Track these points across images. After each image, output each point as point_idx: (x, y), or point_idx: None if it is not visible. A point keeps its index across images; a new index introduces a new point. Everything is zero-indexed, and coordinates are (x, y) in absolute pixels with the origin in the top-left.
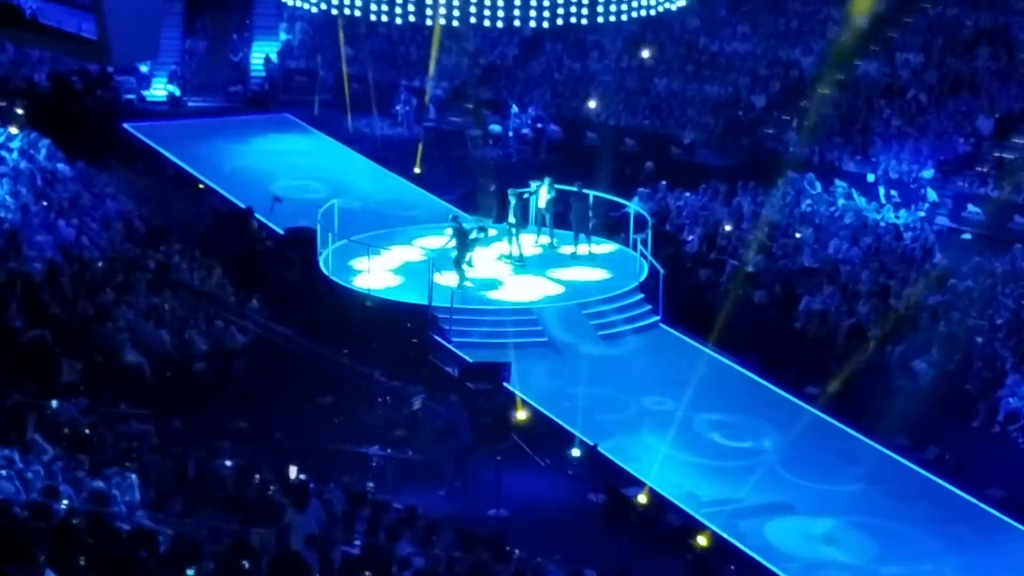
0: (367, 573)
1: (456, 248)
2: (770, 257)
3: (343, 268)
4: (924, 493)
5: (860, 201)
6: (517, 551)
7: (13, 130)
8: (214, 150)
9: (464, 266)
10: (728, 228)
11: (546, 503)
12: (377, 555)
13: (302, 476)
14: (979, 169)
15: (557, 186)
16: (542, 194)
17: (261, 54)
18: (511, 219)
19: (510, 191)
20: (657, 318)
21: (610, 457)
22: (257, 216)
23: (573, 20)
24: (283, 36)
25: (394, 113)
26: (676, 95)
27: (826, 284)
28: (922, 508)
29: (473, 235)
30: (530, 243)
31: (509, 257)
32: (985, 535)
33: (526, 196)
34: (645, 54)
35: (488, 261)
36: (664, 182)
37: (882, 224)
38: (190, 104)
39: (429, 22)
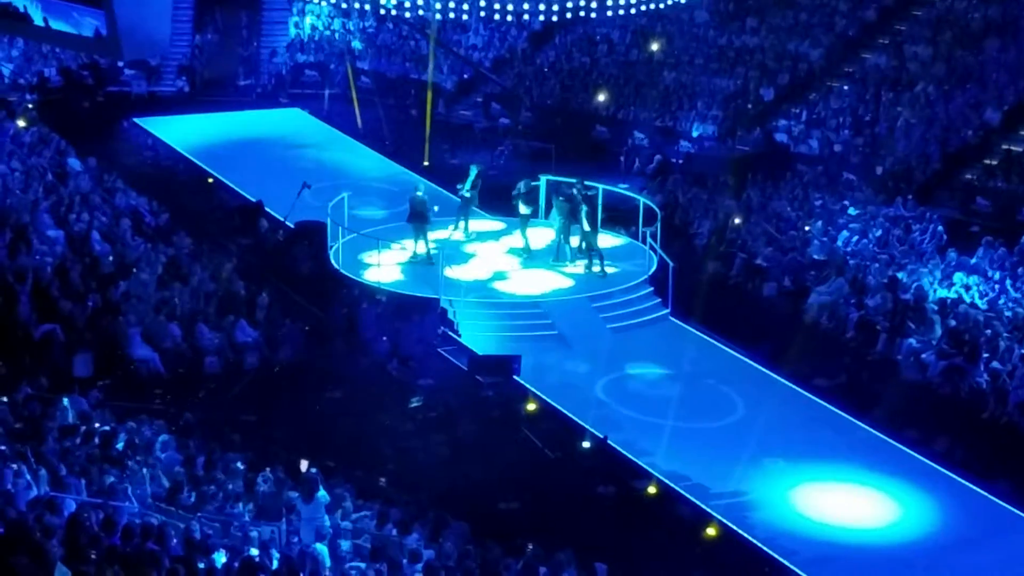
0: (376, 566)
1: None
2: (779, 250)
3: (353, 262)
4: (934, 485)
5: None
6: (530, 545)
7: (21, 124)
8: (224, 144)
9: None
10: (737, 221)
11: (556, 496)
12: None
13: (312, 470)
14: (987, 161)
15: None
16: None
17: (271, 48)
18: (522, 211)
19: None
20: (667, 311)
21: (620, 449)
22: (267, 210)
23: (582, 13)
24: (293, 30)
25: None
26: (685, 88)
27: (835, 277)
28: (932, 501)
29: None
30: (543, 238)
31: (517, 250)
32: (995, 527)
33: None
34: (654, 47)
35: (497, 254)
36: (673, 175)
37: (891, 216)
38: (200, 98)
39: (438, 16)
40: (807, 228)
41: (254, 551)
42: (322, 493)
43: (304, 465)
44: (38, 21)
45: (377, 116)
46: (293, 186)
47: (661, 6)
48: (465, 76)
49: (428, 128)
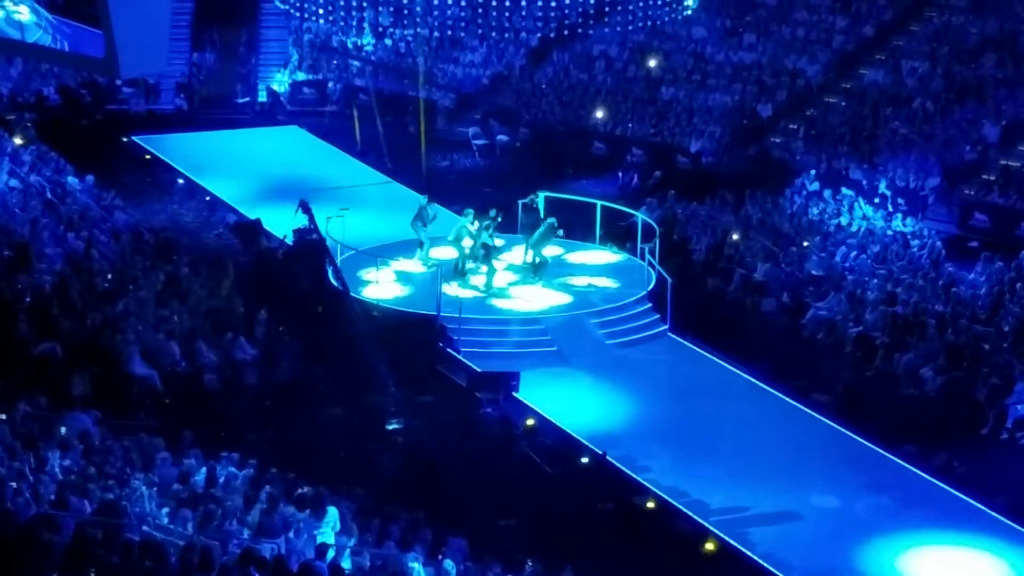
0: None
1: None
2: (777, 265)
3: (352, 279)
4: (932, 500)
5: (866, 209)
6: (529, 561)
7: (18, 141)
8: (222, 162)
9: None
10: (735, 237)
11: (556, 512)
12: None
13: (307, 489)
14: (985, 177)
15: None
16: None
17: (268, 66)
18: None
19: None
20: (665, 327)
21: (619, 466)
22: (266, 228)
23: (580, 30)
24: (290, 49)
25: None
26: (683, 104)
27: (833, 292)
28: (930, 515)
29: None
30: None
31: (516, 266)
32: (994, 542)
33: (534, 205)
34: (652, 63)
35: (497, 271)
36: (671, 191)
37: (889, 232)
38: (198, 116)
39: (436, 33)
40: (805, 243)
41: (254, 568)
42: (332, 510)
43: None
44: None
45: (376, 134)
46: (291, 203)
47: (659, 22)
48: (464, 92)
49: (423, 145)
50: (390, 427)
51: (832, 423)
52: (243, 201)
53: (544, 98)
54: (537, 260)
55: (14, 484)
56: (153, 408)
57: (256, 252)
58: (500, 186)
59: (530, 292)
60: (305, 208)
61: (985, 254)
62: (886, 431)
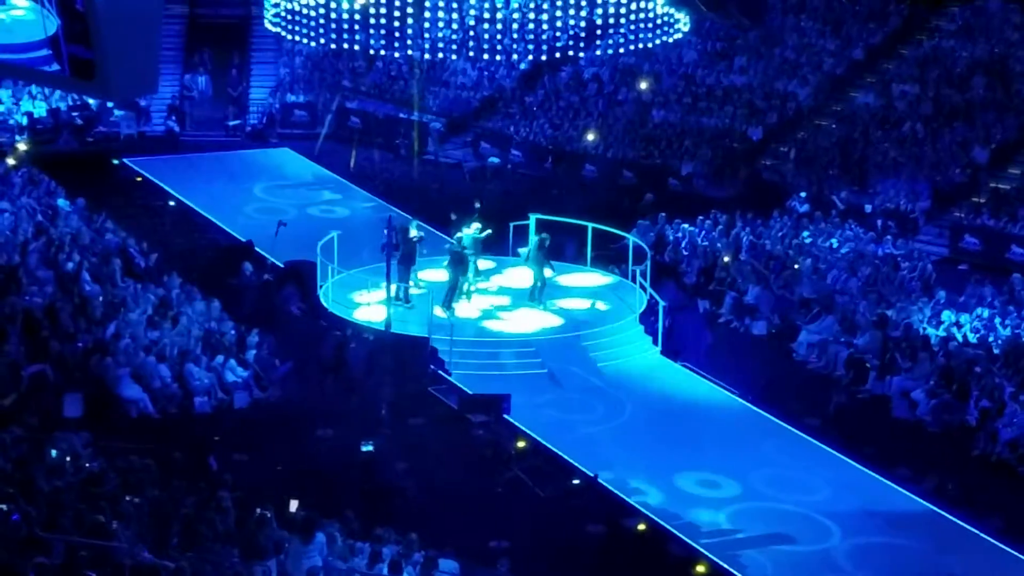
0: None
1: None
2: (768, 288)
3: (343, 301)
4: (924, 523)
5: (857, 232)
6: None
7: (10, 162)
8: (213, 184)
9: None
10: (727, 259)
11: (547, 534)
12: None
13: (301, 512)
14: (976, 199)
15: None
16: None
17: (260, 88)
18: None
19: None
20: (657, 349)
21: (610, 488)
22: (257, 249)
23: (571, 53)
24: (282, 70)
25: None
26: (674, 127)
27: (825, 315)
28: (922, 538)
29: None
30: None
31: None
32: (985, 565)
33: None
34: (643, 86)
35: (487, 293)
36: (663, 214)
37: (880, 255)
38: (189, 138)
39: (427, 55)
40: (796, 266)
41: None
42: (320, 533)
43: (294, 505)
44: None
45: (367, 156)
46: (282, 225)
47: (649, 45)
48: (454, 115)
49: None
50: (365, 448)
51: (824, 446)
52: (234, 223)
53: (535, 120)
54: (539, 284)
55: (4, 507)
56: (143, 430)
57: (243, 275)
58: (491, 208)
59: (520, 315)
60: (389, 225)
61: (976, 276)
62: (878, 454)
